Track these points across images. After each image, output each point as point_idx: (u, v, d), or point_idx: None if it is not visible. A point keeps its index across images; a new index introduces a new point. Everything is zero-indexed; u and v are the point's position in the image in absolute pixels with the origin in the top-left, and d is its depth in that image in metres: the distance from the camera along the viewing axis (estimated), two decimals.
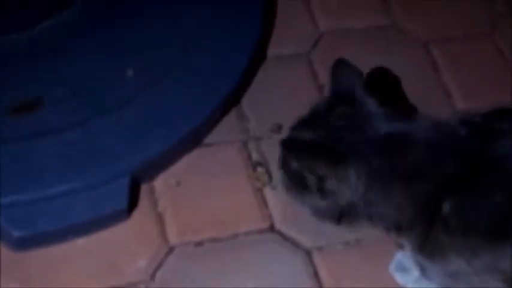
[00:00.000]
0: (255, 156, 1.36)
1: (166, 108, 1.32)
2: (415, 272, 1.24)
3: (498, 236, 1.09)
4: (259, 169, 1.34)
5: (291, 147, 1.19)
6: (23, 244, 1.20)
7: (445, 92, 1.51)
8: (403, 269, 1.25)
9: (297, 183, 1.19)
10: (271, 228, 1.30)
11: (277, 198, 1.32)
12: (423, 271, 1.22)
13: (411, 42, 1.57)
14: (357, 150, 1.13)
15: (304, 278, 1.25)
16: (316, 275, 1.26)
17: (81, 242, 1.23)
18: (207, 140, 1.37)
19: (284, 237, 1.29)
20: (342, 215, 1.19)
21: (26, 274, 1.20)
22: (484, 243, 1.09)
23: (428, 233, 1.12)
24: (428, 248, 1.14)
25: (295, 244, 1.29)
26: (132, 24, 1.41)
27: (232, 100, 1.40)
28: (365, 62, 1.51)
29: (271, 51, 1.51)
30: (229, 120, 1.41)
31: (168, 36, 1.40)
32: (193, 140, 1.35)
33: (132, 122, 1.29)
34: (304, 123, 1.21)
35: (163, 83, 1.34)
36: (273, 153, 1.35)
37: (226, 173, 1.35)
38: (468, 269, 1.12)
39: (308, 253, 1.28)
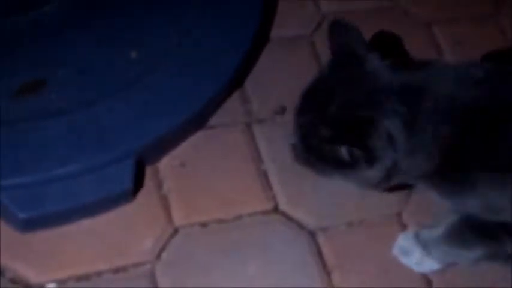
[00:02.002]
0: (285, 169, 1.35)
1: (170, 89, 1.32)
2: (417, 254, 1.24)
3: None
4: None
5: (340, 137, 1.14)
6: (29, 225, 1.20)
7: None
8: (405, 251, 1.26)
9: (338, 165, 1.15)
10: (276, 209, 1.31)
11: (281, 180, 1.33)
12: (426, 250, 1.23)
13: (414, 24, 1.57)
14: (381, 106, 1.12)
15: (308, 258, 1.26)
16: (320, 255, 1.27)
17: (86, 223, 1.23)
18: (211, 122, 1.38)
19: (288, 218, 1.30)
20: (389, 177, 1.16)
21: (32, 255, 1.20)
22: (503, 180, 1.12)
23: (453, 172, 1.14)
24: (451, 187, 1.16)
25: (299, 225, 1.29)
26: (135, 6, 1.41)
27: (235, 82, 1.40)
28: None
29: (274, 33, 1.51)
30: (233, 103, 1.41)
31: (171, 18, 1.40)
32: (198, 121, 1.35)
33: (137, 104, 1.29)
34: (312, 99, 1.19)
35: (166, 65, 1.34)
36: (277, 134, 1.37)
37: (230, 154, 1.35)
38: (487, 207, 1.15)
39: (312, 234, 1.29)
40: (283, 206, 1.31)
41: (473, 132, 1.12)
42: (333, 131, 1.13)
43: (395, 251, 1.27)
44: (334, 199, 1.30)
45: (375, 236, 1.29)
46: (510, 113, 1.12)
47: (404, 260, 1.26)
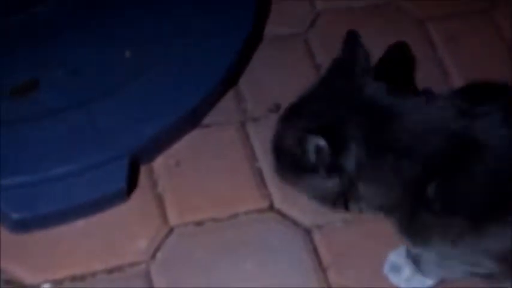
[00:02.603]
0: None
1: (164, 89, 1.32)
2: (407, 271, 1.23)
3: (483, 218, 1.08)
4: None
5: (288, 125, 1.17)
6: (23, 226, 1.20)
7: (442, 70, 1.51)
8: (395, 268, 1.25)
9: (295, 166, 1.16)
10: (271, 208, 1.30)
11: (276, 178, 1.32)
12: (417, 266, 1.22)
13: (408, 20, 1.57)
14: (353, 123, 1.11)
15: (304, 256, 1.26)
16: (315, 252, 1.27)
17: (81, 223, 1.23)
18: (205, 121, 1.37)
19: (284, 216, 1.30)
20: (340, 196, 1.16)
21: (27, 256, 1.20)
22: (469, 225, 1.08)
23: (413, 214, 1.11)
24: (412, 229, 1.13)
25: (294, 223, 1.29)
26: (129, 6, 1.41)
27: (229, 80, 1.40)
28: (362, 41, 1.52)
29: (268, 31, 1.51)
30: (227, 101, 1.41)
31: (165, 17, 1.40)
32: (192, 120, 1.35)
33: (131, 103, 1.29)
34: (301, 103, 1.19)
35: (160, 64, 1.34)
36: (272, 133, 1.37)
37: (225, 153, 1.35)
38: (452, 251, 1.12)
39: (308, 231, 1.28)
40: (278, 204, 1.30)
41: (440, 171, 1.09)
42: (300, 132, 1.13)
43: (386, 268, 1.25)
44: None
45: (370, 233, 1.29)
46: (481, 154, 1.08)
47: (393, 279, 1.25)
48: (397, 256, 1.25)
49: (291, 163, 1.17)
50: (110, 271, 1.21)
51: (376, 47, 1.50)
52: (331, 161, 1.11)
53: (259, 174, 1.33)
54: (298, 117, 1.16)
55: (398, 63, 1.48)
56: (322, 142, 1.10)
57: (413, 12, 1.58)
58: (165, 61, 1.35)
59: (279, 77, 1.45)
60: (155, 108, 1.30)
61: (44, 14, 1.37)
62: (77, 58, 1.33)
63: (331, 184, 1.14)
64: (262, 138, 1.37)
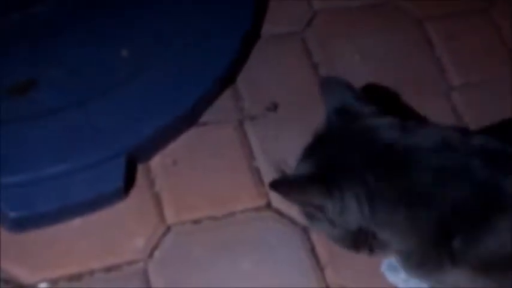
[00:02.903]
0: (278, 166, 1.33)
1: (162, 88, 1.32)
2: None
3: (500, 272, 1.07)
4: None
5: (277, 187, 1.13)
6: (20, 225, 1.20)
7: (441, 69, 1.51)
8: (393, 268, 1.24)
9: (307, 215, 1.16)
10: (268, 206, 1.30)
11: (273, 176, 1.32)
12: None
13: (406, 20, 1.57)
14: (352, 171, 1.08)
15: (301, 255, 1.26)
16: (313, 251, 1.26)
17: (78, 222, 1.23)
18: (202, 120, 1.37)
19: (281, 214, 1.29)
20: (357, 242, 1.13)
21: (24, 255, 1.20)
22: (485, 277, 1.08)
23: (429, 255, 1.09)
24: (423, 268, 1.12)
25: (292, 221, 1.29)
26: (126, 5, 1.41)
27: (227, 79, 1.40)
28: (359, 40, 1.52)
29: (266, 30, 1.50)
30: (225, 100, 1.41)
31: (162, 16, 1.40)
32: (189, 119, 1.35)
33: (128, 102, 1.29)
34: (305, 156, 1.15)
35: (157, 63, 1.34)
36: (270, 131, 1.37)
37: (222, 151, 1.35)
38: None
39: (305, 230, 1.28)
40: (276, 203, 1.30)
41: (465, 223, 1.06)
42: (291, 190, 1.12)
43: (383, 268, 1.25)
44: None
45: None
46: (501, 202, 1.05)
47: (391, 278, 1.24)
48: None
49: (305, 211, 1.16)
50: (108, 270, 1.20)
51: (373, 46, 1.51)
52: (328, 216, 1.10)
53: (256, 172, 1.33)
54: (314, 162, 1.12)
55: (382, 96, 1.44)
56: (317, 199, 1.09)
57: (411, 11, 1.58)
58: (162, 60, 1.35)
59: (277, 75, 1.45)
60: (152, 107, 1.30)
61: (42, 13, 1.37)
62: (75, 57, 1.33)
63: (339, 231, 1.13)
64: (259, 136, 1.37)
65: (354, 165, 1.08)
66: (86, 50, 1.34)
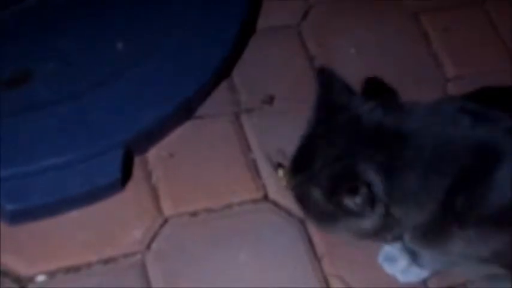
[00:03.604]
0: (275, 157, 1.33)
1: (158, 80, 1.32)
2: (403, 262, 1.23)
3: (507, 224, 1.08)
4: (280, 171, 1.32)
5: (307, 176, 1.10)
6: (17, 217, 1.20)
7: (436, 62, 1.51)
8: (390, 259, 1.25)
9: (326, 217, 1.12)
10: (265, 198, 1.30)
11: (270, 168, 1.33)
12: (414, 258, 1.21)
13: (402, 13, 1.57)
14: (369, 156, 1.07)
15: (298, 246, 1.26)
16: (310, 242, 1.27)
17: (75, 214, 1.23)
18: (199, 112, 1.37)
19: (278, 206, 1.30)
20: (380, 229, 1.11)
21: (21, 247, 1.20)
22: (495, 231, 1.09)
23: (437, 226, 1.10)
24: (433, 240, 1.12)
25: (289, 213, 1.29)
26: None
27: (223, 71, 1.40)
28: (355, 33, 1.52)
29: (261, 23, 1.51)
30: (221, 93, 1.41)
31: (158, 9, 1.40)
32: (186, 111, 1.35)
33: (124, 94, 1.29)
34: (305, 151, 1.14)
35: (153, 56, 1.34)
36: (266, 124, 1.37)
37: (219, 144, 1.35)
38: (473, 255, 1.12)
39: (302, 221, 1.28)
40: (272, 195, 1.30)
41: (466, 182, 1.07)
42: (320, 189, 1.09)
43: (381, 259, 1.25)
44: None
45: None
46: (496, 155, 1.07)
47: (389, 269, 1.24)
48: (391, 247, 1.24)
49: (320, 213, 1.12)
50: (105, 262, 1.20)
51: (369, 39, 1.52)
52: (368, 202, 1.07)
53: (253, 165, 1.33)
54: (313, 166, 1.10)
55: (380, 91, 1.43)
56: (363, 190, 1.06)
57: (407, 4, 1.58)
58: (158, 53, 1.35)
59: (272, 68, 1.45)
60: (149, 99, 1.30)
61: (38, 6, 1.37)
62: (71, 50, 1.33)
63: (369, 221, 1.10)
64: (256, 129, 1.37)
65: (369, 150, 1.08)
66: (81, 42, 1.34)
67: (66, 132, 1.24)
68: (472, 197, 1.07)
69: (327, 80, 1.15)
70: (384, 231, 1.13)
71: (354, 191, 1.06)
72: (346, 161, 1.08)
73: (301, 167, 1.13)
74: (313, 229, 1.28)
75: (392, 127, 1.09)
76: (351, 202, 1.06)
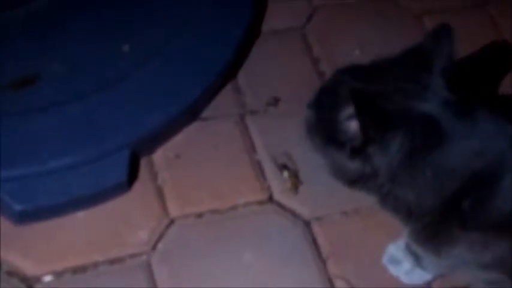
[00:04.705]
0: (280, 159, 1.34)
1: (164, 82, 1.33)
2: (407, 264, 1.24)
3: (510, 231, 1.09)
4: (285, 173, 1.33)
5: (358, 98, 1.05)
6: (25, 217, 1.21)
7: None
8: (395, 261, 1.25)
9: (328, 135, 1.11)
10: (270, 199, 1.31)
11: (275, 169, 1.33)
12: (417, 261, 1.22)
13: (405, 15, 1.58)
14: (409, 121, 1.06)
15: (303, 247, 1.27)
16: (315, 244, 1.27)
17: (82, 214, 1.24)
18: (204, 114, 1.38)
19: (283, 208, 1.30)
20: (358, 181, 1.12)
21: (28, 247, 1.20)
22: (497, 237, 1.10)
23: (439, 226, 1.11)
24: (433, 240, 1.13)
25: (294, 214, 1.30)
26: (127, 1, 1.42)
27: (228, 73, 1.41)
28: (359, 36, 1.53)
29: (266, 25, 1.52)
30: (226, 95, 1.41)
31: (163, 11, 1.41)
32: (191, 113, 1.36)
33: (131, 96, 1.30)
34: (360, 76, 1.11)
35: (159, 58, 1.35)
36: (271, 125, 1.37)
37: (224, 146, 1.36)
38: (474, 260, 1.12)
39: (307, 223, 1.29)
40: (277, 196, 1.31)
41: (476, 187, 1.08)
42: (358, 99, 1.05)
43: (385, 260, 1.26)
44: (328, 188, 1.30)
45: (369, 225, 1.30)
46: (506, 162, 1.08)
47: (393, 270, 1.25)
48: (396, 248, 1.25)
49: (325, 125, 1.11)
50: (111, 262, 1.21)
51: (373, 42, 1.52)
52: (358, 145, 1.06)
53: (258, 166, 1.34)
54: (356, 80, 1.09)
55: (487, 66, 1.43)
56: (354, 124, 1.05)
57: (410, 6, 1.59)
58: (164, 54, 1.36)
59: (277, 70, 1.46)
60: (155, 101, 1.31)
61: (44, 8, 1.38)
62: (78, 52, 1.34)
63: (353, 166, 1.10)
64: (261, 131, 1.38)
65: (412, 116, 1.07)
66: (88, 44, 1.35)
67: (73, 133, 1.25)
68: (479, 201, 1.08)
69: (442, 35, 1.11)
70: (361, 185, 1.12)
71: (379, 136, 1.04)
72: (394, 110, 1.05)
73: (351, 74, 1.11)
74: (318, 230, 1.29)
75: (444, 127, 1.07)
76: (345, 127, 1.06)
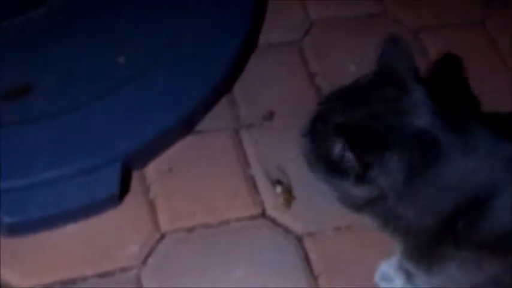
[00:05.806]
0: (274, 174, 1.34)
1: (158, 94, 1.33)
2: (399, 282, 1.23)
3: (504, 251, 1.08)
4: (278, 188, 1.33)
5: (347, 132, 1.05)
6: (14, 230, 1.20)
7: None
8: (387, 278, 1.24)
9: (330, 165, 1.09)
10: (263, 215, 1.30)
11: (268, 185, 1.33)
12: (409, 278, 1.21)
13: (402, 30, 1.57)
14: (404, 140, 1.05)
15: (295, 263, 1.26)
16: (307, 260, 1.26)
17: (72, 227, 1.23)
18: (199, 127, 1.38)
19: (275, 223, 1.30)
20: (367, 205, 1.11)
21: (17, 260, 1.20)
22: (490, 257, 1.09)
23: (433, 244, 1.10)
24: (427, 258, 1.12)
25: (286, 230, 1.29)
26: (122, 12, 1.41)
27: (223, 87, 1.40)
28: (356, 50, 1.52)
29: (263, 39, 1.51)
30: (221, 108, 1.41)
31: (159, 23, 1.40)
32: (185, 126, 1.35)
33: (124, 108, 1.30)
34: (347, 101, 1.10)
35: (154, 70, 1.35)
36: (265, 140, 1.37)
37: (218, 160, 1.35)
38: (466, 279, 1.12)
39: (299, 239, 1.28)
40: (270, 211, 1.31)
41: (472, 207, 1.07)
42: (351, 137, 1.05)
43: (377, 277, 1.25)
44: (321, 204, 1.29)
45: (362, 241, 1.29)
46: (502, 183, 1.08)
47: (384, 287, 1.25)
48: (388, 266, 1.25)
49: (323, 155, 1.10)
50: (101, 276, 1.20)
51: (370, 57, 1.50)
52: (359, 171, 1.06)
53: (251, 181, 1.33)
54: (346, 104, 1.09)
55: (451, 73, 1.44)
56: (350, 155, 1.05)
57: (408, 21, 1.59)
58: (159, 67, 1.35)
59: (273, 84, 1.45)
60: (149, 114, 1.31)
61: (38, 19, 1.38)
62: (71, 64, 1.34)
63: (360, 192, 1.09)
64: (255, 145, 1.37)
65: (406, 134, 1.06)
66: (82, 56, 1.35)
67: (65, 145, 1.24)
68: (471, 220, 1.07)
69: (396, 49, 1.11)
70: (368, 210, 1.11)
71: (377, 159, 1.04)
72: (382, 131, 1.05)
73: (349, 105, 1.09)
74: (310, 246, 1.28)
75: (444, 144, 1.06)
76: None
